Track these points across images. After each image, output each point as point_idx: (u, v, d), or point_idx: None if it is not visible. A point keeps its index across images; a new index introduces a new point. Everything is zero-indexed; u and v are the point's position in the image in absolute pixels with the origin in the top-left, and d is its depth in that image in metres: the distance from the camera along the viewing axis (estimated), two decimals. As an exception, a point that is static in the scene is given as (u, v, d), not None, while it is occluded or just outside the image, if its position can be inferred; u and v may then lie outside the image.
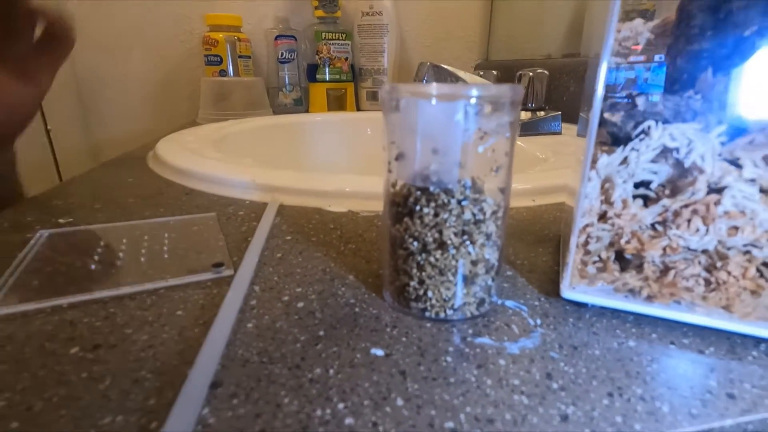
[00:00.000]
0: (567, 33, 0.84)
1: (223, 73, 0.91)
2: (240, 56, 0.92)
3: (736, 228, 0.17)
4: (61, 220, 0.31)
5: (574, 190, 0.28)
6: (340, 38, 0.93)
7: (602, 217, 0.19)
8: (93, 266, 0.23)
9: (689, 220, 0.17)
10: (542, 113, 0.61)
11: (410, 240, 0.18)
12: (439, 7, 1.04)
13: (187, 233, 0.28)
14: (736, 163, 0.16)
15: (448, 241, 0.18)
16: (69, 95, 0.93)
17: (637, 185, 0.18)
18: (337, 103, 0.98)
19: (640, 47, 0.20)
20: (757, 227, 0.16)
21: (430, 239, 0.18)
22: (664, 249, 0.18)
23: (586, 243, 0.19)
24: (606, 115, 0.17)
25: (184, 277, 0.22)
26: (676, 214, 0.17)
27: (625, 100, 0.19)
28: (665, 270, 0.18)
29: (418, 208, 0.18)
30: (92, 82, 0.94)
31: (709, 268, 0.18)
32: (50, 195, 0.37)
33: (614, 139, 0.18)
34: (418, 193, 0.18)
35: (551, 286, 0.22)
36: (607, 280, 0.19)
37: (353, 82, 0.99)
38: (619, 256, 0.20)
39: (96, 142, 0.98)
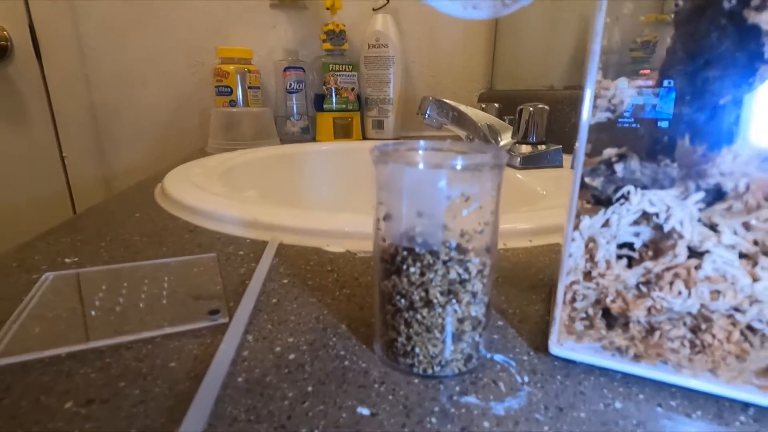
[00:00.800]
0: (569, 65, 0.85)
1: (233, 103, 0.94)
2: (249, 87, 0.95)
3: (718, 292, 0.17)
4: (67, 260, 0.32)
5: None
6: (347, 70, 0.96)
7: (587, 275, 0.19)
8: (93, 312, 0.24)
9: (671, 283, 0.17)
10: (543, 147, 0.62)
11: (398, 297, 0.19)
12: (444, 39, 1.07)
13: (187, 276, 0.29)
14: (715, 228, 0.17)
15: (434, 300, 0.18)
16: (85, 124, 0.96)
17: (620, 245, 0.18)
18: (343, 131, 1.00)
19: (648, 71, 0.21)
20: (738, 292, 0.16)
21: (417, 297, 0.18)
22: (649, 309, 0.18)
23: (573, 300, 0.20)
24: (587, 179, 0.18)
25: (181, 326, 0.23)
26: (659, 276, 0.17)
27: (633, 125, 0.19)
28: (651, 330, 0.18)
29: (404, 267, 0.18)
30: (108, 112, 0.97)
31: (695, 329, 0.18)
32: (59, 231, 0.38)
33: (596, 199, 0.19)
34: (405, 252, 0.18)
35: (541, 339, 0.22)
36: (593, 337, 0.19)
37: (359, 111, 1.01)
38: (607, 313, 0.20)
39: (110, 168, 1.00)
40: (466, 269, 0.18)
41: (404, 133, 1.07)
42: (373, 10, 0.99)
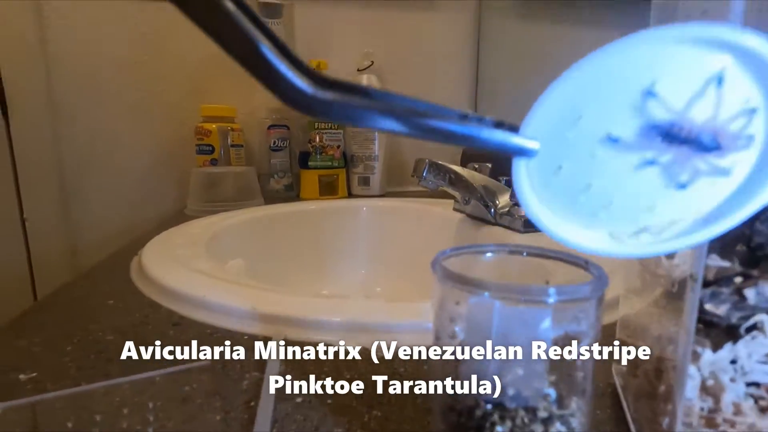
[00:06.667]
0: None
1: (215, 162, 0.90)
2: (232, 145, 0.91)
3: None
4: (22, 376, 0.26)
5: (636, 328, 0.24)
6: (332, 128, 0.95)
7: (709, 420, 0.15)
8: (55, 473, 0.18)
9: (827, 439, 0.14)
10: (545, 209, 0.60)
11: (477, 461, 0.14)
12: (428, 99, 1.08)
13: (177, 398, 0.24)
14: None
15: (530, 469, 0.14)
16: (50, 181, 0.89)
17: (747, 383, 0.15)
18: (328, 188, 0.96)
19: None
20: None
21: (506, 465, 0.14)
22: (794, 468, 0.14)
23: (688, 449, 0.16)
24: (708, 306, 0.15)
25: (175, 491, 0.17)
26: (808, 429, 0.14)
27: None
28: (797, 494, 0.15)
29: (489, 425, 0.14)
30: (78, 170, 0.91)
31: None
32: (15, 329, 0.32)
33: (707, 323, 0.16)
34: (490, 406, 0.14)
35: (635, 487, 0.18)
36: (719, 499, 0.15)
37: (345, 167, 0.98)
38: (727, 463, 0.16)
39: (78, 229, 0.92)
40: (568, 425, 0.14)
41: (390, 189, 1.05)
42: (359, 70, 0.99)
